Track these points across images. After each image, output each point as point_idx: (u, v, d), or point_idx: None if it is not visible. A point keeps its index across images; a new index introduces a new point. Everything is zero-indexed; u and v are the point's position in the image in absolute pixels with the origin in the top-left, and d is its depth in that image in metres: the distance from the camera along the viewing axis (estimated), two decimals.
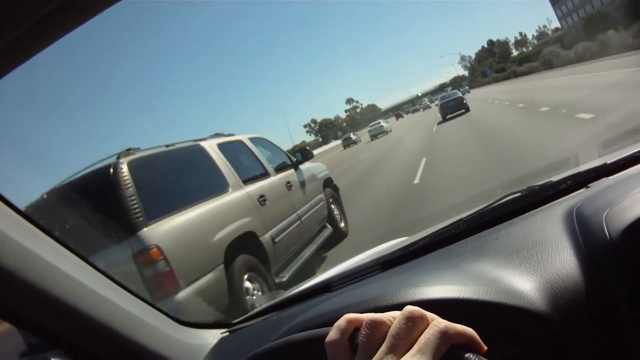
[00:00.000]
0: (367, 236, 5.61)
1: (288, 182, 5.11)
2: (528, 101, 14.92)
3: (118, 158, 3.31)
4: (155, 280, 2.99)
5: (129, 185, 3.15)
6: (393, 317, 0.45)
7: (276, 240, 4.28)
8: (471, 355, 0.42)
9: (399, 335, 0.43)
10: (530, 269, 0.77)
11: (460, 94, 23.68)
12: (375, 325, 0.45)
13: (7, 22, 0.62)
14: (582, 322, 0.68)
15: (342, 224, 6.22)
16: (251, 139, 5.14)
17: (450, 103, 22.56)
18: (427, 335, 0.42)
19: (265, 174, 4.85)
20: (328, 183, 6.34)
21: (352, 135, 44.76)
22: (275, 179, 4.93)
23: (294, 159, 5.68)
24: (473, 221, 1.07)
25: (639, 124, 5.50)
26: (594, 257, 0.72)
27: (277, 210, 4.56)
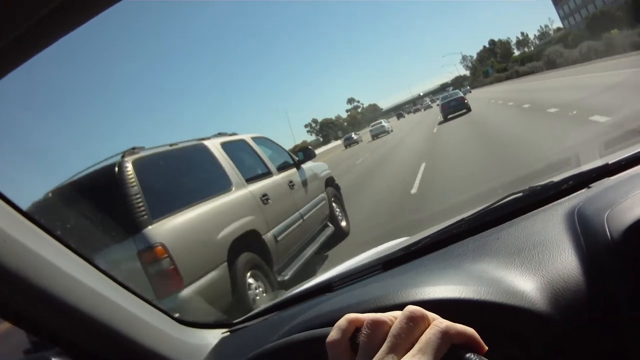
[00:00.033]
0: (367, 236, 5.61)
1: (290, 181, 5.14)
2: (534, 101, 14.29)
3: (123, 157, 3.35)
4: (159, 277, 3.03)
5: (134, 183, 3.19)
6: (394, 317, 0.45)
7: (278, 238, 4.31)
8: (472, 355, 0.42)
9: (399, 335, 0.43)
10: (531, 269, 0.77)
11: (461, 94, 23.68)
12: (376, 325, 0.45)
13: (7, 22, 0.62)
14: (584, 322, 0.68)
15: (344, 223, 6.24)
16: (254, 138, 5.17)
17: (452, 103, 22.56)
18: (428, 335, 0.42)
19: (267, 173, 4.89)
20: (330, 182, 6.37)
21: (353, 135, 44.83)
22: (277, 178, 4.96)
23: (296, 158, 5.70)
24: (474, 221, 1.07)
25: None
26: (596, 257, 0.72)
27: (279, 209, 4.60)
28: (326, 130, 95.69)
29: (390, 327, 0.44)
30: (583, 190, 0.98)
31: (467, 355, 0.42)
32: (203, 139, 4.39)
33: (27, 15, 0.63)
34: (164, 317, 1.14)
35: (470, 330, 0.44)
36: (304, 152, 5.87)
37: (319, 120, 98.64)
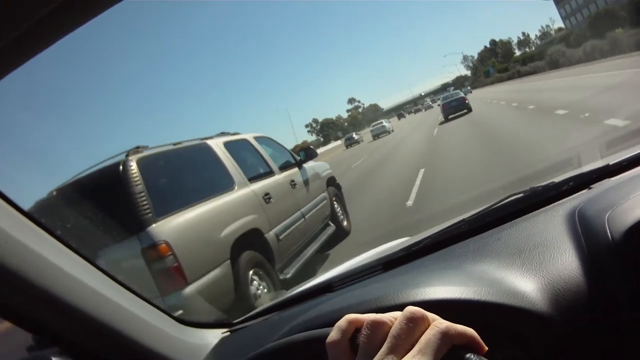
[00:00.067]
0: (367, 236, 5.61)
1: (292, 181, 5.18)
2: (539, 102, 13.22)
3: (127, 156, 3.39)
4: (163, 275, 3.07)
5: (138, 182, 3.23)
6: (394, 318, 0.45)
7: (281, 237, 4.35)
8: (472, 356, 0.42)
9: (399, 335, 0.43)
10: (532, 270, 0.77)
11: (462, 94, 23.65)
12: (376, 325, 0.45)
13: (7, 22, 0.62)
14: (584, 323, 0.68)
15: (345, 223, 6.28)
16: (256, 138, 5.20)
17: (453, 103, 22.54)
18: (428, 336, 0.42)
19: (270, 173, 4.92)
20: (331, 182, 6.41)
21: (354, 135, 44.88)
22: (279, 177, 5.00)
23: (298, 158, 5.74)
24: (475, 222, 1.07)
25: None
26: (596, 258, 0.71)
27: (281, 208, 4.63)
28: (327, 130, 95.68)
29: (390, 327, 0.44)
30: (584, 191, 0.98)
31: (467, 355, 0.42)
32: (206, 139, 4.42)
33: (27, 16, 0.63)
34: (165, 317, 1.14)
35: (470, 330, 0.44)
36: (306, 152, 5.90)
37: (320, 120, 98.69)
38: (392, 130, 36.79)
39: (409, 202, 6.77)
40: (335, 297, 1.02)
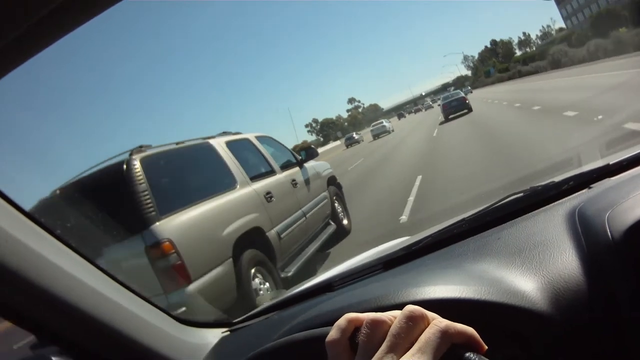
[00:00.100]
0: (368, 235, 5.61)
1: (293, 180, 5.21)
2: (544, 103, 12.20)
3: (131, 155, 3.42)
4: (167, 272, 3.10)
5: (142, 180, 3.26)
6: (393, 317, 0.45)
7: (282, 236, 4.38)
8: (471, 355, 0.42)
9: (399, 334, 0.43)
10: (532, 269, 0.77)
11: (462, 94, 23.66)
12: (375, 324, 0.45)
13: (7, 22, 0.62)
14: (584, 322, 0.68)
15: (345, 221, 6.32)
16: (258, 137, 5.24)
17: (453, 103, 22.55)
18: (428, 335, 0.42)
19: (271, 172, 4.96)
20: (332, 181, 6.44)
21: (354, 135, 44.94)
22: (281, 176, 5.03)
23: (299, 157, 5.77)
24: (475, 221, 1.07)
25: None
26: (596, 257, 0.71)
27: (283, 206, 4.67)
28: (327, 130, 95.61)
29: (390, 326, 0.44)
30: (584, 190, 0.98)
31: (467, 354, 0.42)
32: (208, 138, 4.46)
33: (27, 15, 0.63)
34: (164, 316, 1.14)
35: (469, 329, 0.44)
36: (307, 151, 5.93)
37: (320, 120, 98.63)
38: (392, 130, 36.83)
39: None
40: (335, 296, 1.02)
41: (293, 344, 0.63)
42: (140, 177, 3.26)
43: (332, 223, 5.89)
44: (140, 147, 3.57)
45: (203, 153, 4.27)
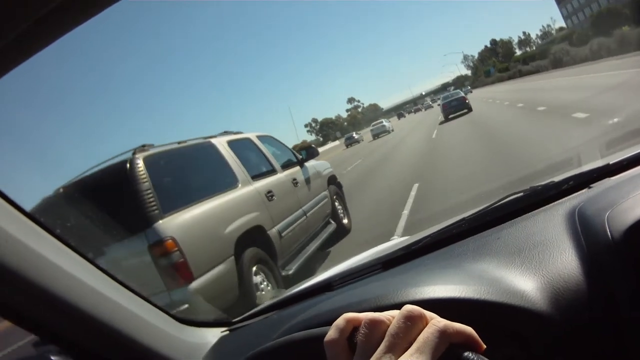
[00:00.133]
0: (367, 235, 5.62)
1: (294, 179, 5.24)
2: (550, 103, 11.28)
3: (134, 154, 3.44)
4: (169, 270, 3.13)
5: (145, 179, 3.29)
6: (392, 316, 0.45)
7: (283, 234, 4.41)
8: (470, 354, 0.42)
9: (397, 334, 0.42)
10: (531, 269, 0.77)
11: (462, 94, 23.68)
12: (374, 324, 0.45)
13: (7, 21, 0.62)
14: (584, 322, 0.67)
15: (345, 220, 6.36)
16: (259, 137, 5.27)
17: (453, 103, 22.57)
18: (426, 334, 0.42)
19: (272, 171, 4.99)
20: (332, 180, 6.47)
21: (354, 135, 44.99)
22: (282, 175, 5.06)
23: (300, 157, 5.79)
24: (475, 221, 1.07)
25: None
26: (596, 257, 0.71)
27: (283, 205, 4.70)
28: (326, 130, 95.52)
29: (388, 326, 0.44)
30: (584, 190, 0.98)
31: (465, 354, 0.42)
32: (210, 137, 4.48)
33: (27, 15, 0.63)
34: (164, 316, 1.14)
35: (468, 329, 0.44)
36: (307, 151, 5.97)
37: (319, 120, 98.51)
38: (392, 130, 36.86)
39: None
40: (334, 296, 1.02)
41: (292, 343, 0.63)
42: (144, 175, 3.29)
43: (332, 222, 5.92)
44: (143, 146, 3.60)
45: (205, 152, 4.30)
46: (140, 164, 3.34)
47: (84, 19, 0.70)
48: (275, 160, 5.17)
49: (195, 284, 3.18)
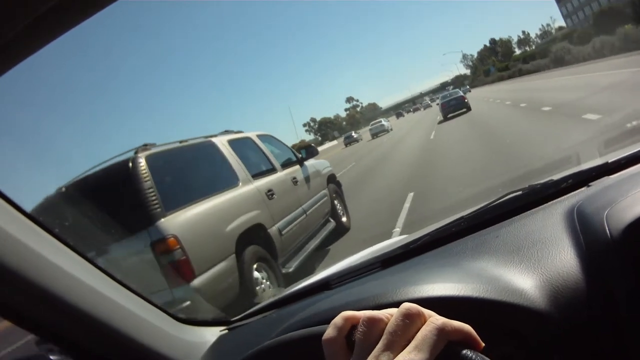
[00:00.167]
0: (366, 234, 5.62)
1: (294, 178, 5.27)
2: (555, 103, 10.46)
3: (136, 153, 3.48)
4: (172, 267, 3.17)
5: (147, 178, 3.33)
6: (390, 315, 0.45)
7: (283, 232, 4.45)
8: (468, 352, 0.42)
9: (395, 332, 0.43)
10: (530, 267, 0.77)
11: (461, 93, 23.66)
12: (372, 322, 0.45)
13: (7, 20, 0.62)
14: (583, 320, 0.67)
15: (345, 219, 6.40)
16: (259, 136, 5.31)
17: (452, 102, 22.56)
18: (424, 332, 0.42)
19: (272, 170, 5.02)
20: (331, 179, 6.51)
21: (353, 134, 45.10)
22: (282, 174, 5.10)
23: (300, 156, 5.82)
24: (474, 219, 1.07)
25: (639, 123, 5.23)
26: (595, 255, 0.71)
27: (284, 204, 4.74)
28: (325, 129, 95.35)
29: (387, 324, 0.44)
30: (583, 188, 0.98)
31: (464, 351, 0.42)
32: (211, 136, 4.51)
33: (27, 14, 0.62)
34: (163, 315, 1.14)
35: (466, 327, 0.44)
36: (307, 150, 6.00)
37: (318, 119, 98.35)
38: (391, 129, 36.85)
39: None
40: (333, 294, 1.02)
41: (290, 342, 0.63)
42: (146, 174, 3.32)
43: (332, 220, 5.96)
44: (145, 145, 3.63)
45: (206, 151, 4.33)
46: (142, 162, 3.37)
47: (83, 18, 0.70)
48: (275, 159, 5.21)
49: (196, 282, 3.21)
